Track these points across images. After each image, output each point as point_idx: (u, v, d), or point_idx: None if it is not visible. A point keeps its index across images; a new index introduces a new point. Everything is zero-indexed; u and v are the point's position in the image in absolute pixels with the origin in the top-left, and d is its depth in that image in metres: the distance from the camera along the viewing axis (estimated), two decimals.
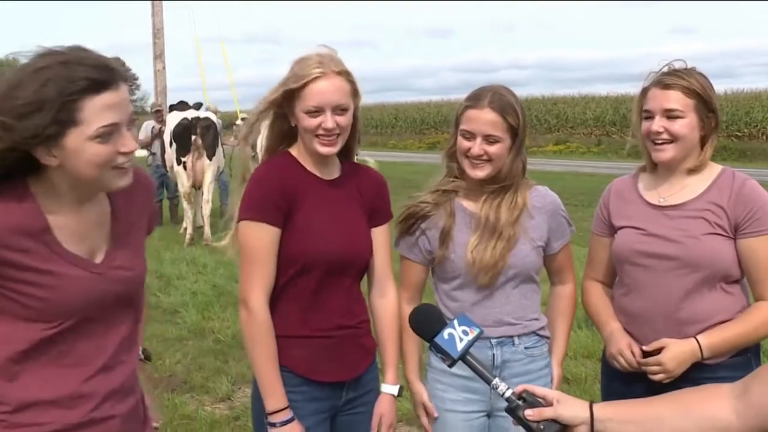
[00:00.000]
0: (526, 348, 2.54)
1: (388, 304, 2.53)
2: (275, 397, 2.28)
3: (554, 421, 1.61)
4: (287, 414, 2.28)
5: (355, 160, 2.58)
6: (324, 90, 2.25)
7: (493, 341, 2.51)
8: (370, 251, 2.45)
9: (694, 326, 2.42)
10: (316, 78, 2.25)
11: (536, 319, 2.57)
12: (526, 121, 2.51)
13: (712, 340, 2.39)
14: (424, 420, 2.60)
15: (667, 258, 2.43)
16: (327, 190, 2.38)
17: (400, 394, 2.54)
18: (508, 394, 1.67)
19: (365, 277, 2.54)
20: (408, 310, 2.56)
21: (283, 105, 2.33)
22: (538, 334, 2.58)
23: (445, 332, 1.74)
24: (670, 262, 2.43)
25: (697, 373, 2.40)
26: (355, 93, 2.34)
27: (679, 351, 2.39)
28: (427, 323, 1.80)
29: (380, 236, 2.49)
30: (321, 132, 2.27)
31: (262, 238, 2.27)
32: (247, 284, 2.29)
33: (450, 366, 1.78)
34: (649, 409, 1.63)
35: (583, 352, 5.52)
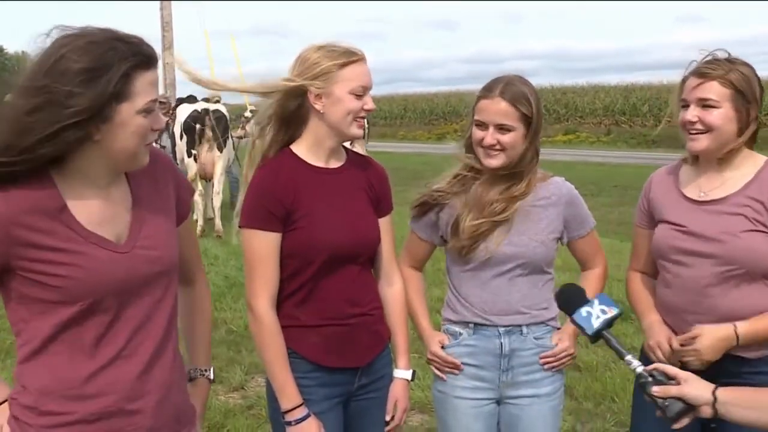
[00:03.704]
0: (535, 338, 2.55)
1: (395, 292, 2.55)
2: (288, 396, 2.31)
3: (680, 399, 1.72)
4: (302, 411, 2.31)
5: (366, 149, 2.61)
6: (368, 72, 2.36)
7: (501, 330, 2.53)
8: (377, 238, 2.47)
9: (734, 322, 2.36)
10: (361, 59, 2.33)
11: (546, 309, 2.57)
12: (541, 111, 2.51)
13: (749, 328, 2.33)
14: (438, 352, 2.60)
15: (705, 256, 2.38)
16: (330, 179, 2.40)
17: (412, 379, 2.58)
18: (639, 370, 1.80)
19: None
20: (409, 273, 2.67)
21: (310, 89, 2.31)
22: (548, 324, 2.58)
23: (584, 310, 1.88)
24: (709, 260, 2.37)
25: (736, 368, 2.36)
26: None
27: (715, 339, 2.34)
28: (569, 300, 1.93)
29: (384, 226, 2.51)
30: (363, 114, 2.35)
31: (260, 245, 2.31)
32: (250, 289, 2.34)
33: (592, 342, 1.91)
34: None
35: None
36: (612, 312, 1.86)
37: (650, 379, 1.78)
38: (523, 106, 2.43)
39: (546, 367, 2.55)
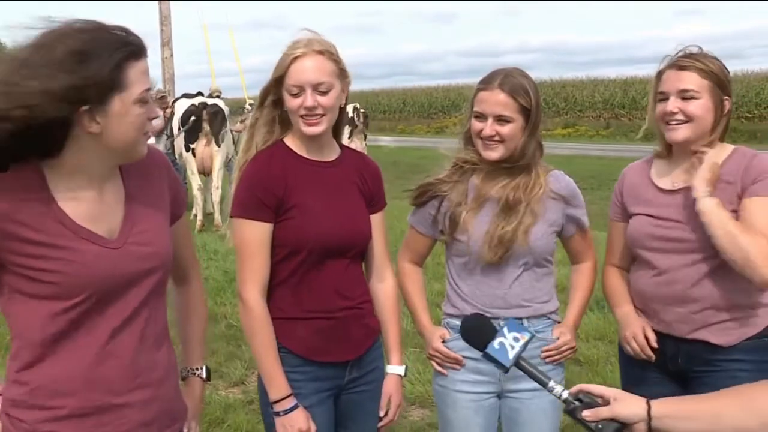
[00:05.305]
0: (536, 331, 2.53)
1: (387, 288, 2.56)
2: (277, 386, 2.31)
3: (612, 420, 1.62)
4: (290, 402, 2.31)
5: (365, 144, 2.60)
6: (303, 69, 2.28)
7: (502, 323, 2.52)
8: (368, 232, 2.47)
9: (709, 311, 2.40)
10: (295, 58, 2.29)
11: (547, 302, 2.58)
12: (540, 103, 2.50)
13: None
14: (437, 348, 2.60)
15: (680, 241, 2.42)
16: (322, 172, 2.40)
17: (405, 375, 2.58)
18: (565, 395, 1.68)
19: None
20: (409, 268, 2.71)
21: (276, 93, 2.37)
22: (549, 318, 2.59)
23: (496, 342, 1.77)
24: (683, 245, 2.41)
25: (710, 355, 2.40)
26: (341, 74, 2.35)
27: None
28: (478, 335, 1.83)
29: (377, 222, 2.51)
30: (303, 112, 2.30)
31: (251, 235, 2.31)
32: (241, 279, 2.34)
33: (504, 373, 1.82)
34: (708, 405, 1.63)
35: (594, 334, 5.55)
36: (524, 338, 1.78)
37: (578, 402, 1.66)
38: (522, 97, 2.43)
39: (547, 360, 2.55)
